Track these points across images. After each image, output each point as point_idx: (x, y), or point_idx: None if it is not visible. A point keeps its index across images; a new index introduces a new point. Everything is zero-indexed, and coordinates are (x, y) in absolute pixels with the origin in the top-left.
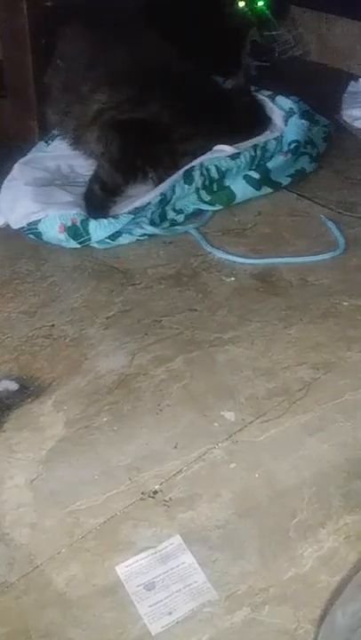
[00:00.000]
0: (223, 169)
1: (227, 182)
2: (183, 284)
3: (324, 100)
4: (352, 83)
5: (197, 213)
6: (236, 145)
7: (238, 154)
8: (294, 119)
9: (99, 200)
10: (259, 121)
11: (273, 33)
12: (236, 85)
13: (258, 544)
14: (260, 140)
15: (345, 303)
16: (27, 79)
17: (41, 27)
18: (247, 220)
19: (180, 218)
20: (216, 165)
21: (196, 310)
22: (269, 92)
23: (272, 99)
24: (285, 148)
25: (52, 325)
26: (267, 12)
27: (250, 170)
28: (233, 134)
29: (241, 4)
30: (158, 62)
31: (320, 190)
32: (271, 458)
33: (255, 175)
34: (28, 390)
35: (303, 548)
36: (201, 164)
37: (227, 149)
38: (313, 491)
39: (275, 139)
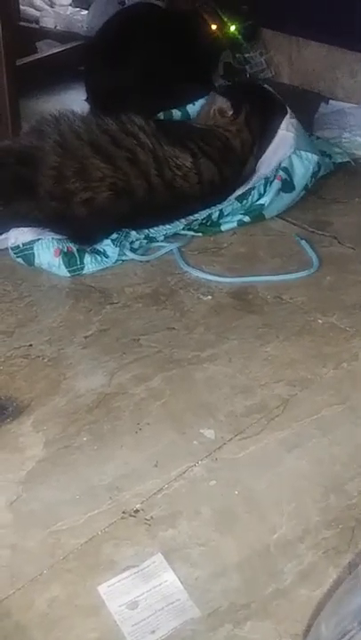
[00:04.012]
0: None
1: (221, 223)
2: (161, 302)
3: None
4: (323, 104)
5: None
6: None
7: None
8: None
9: None
10: None
11: (245, 55)
12: None
13: (238, 560)
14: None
15: (320, 320)
16: (2, 102)
17: (14, 47)
18: (223, 239)
19: (160, 237)
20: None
21: (173, 329)
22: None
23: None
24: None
25: (30, 345)
26: (238, 35)
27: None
28: None
29: (213, 28)
30: None
31: (293, 210)
32: (250, 475)
33: (246, 219)
34: (7, 411)
35: (283, 564)
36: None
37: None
38: (292, 506)
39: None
